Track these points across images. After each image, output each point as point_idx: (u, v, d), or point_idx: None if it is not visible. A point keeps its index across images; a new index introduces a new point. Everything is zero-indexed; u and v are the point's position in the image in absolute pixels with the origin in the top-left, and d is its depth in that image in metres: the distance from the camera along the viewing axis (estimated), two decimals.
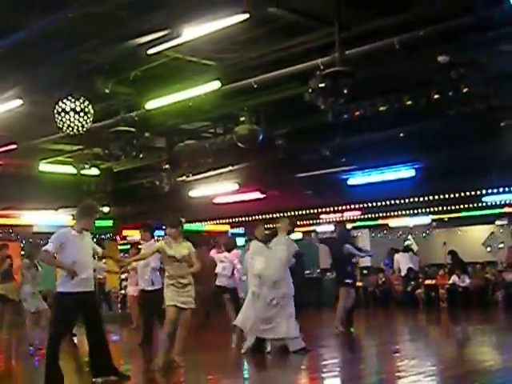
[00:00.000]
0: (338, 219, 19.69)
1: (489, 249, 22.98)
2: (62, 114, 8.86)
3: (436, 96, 9.72)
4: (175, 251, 9.07)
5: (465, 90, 9.27)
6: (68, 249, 7.77)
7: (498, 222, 22.11)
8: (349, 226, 21.68)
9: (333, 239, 14.45)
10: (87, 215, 8.05)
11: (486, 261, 20.99)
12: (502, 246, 22.34)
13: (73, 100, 8.87)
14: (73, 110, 8.83)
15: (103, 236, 20.00)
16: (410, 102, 10.11)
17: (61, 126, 9.04)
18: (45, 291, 13.74)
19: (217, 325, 14.52)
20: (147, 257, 10.39)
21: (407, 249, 21.28)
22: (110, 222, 19.59)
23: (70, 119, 8.86)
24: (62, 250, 7.77)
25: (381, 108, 10.37)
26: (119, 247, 21.28)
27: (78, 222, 8.04)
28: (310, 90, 8.62)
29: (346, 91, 8.23)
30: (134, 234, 22.17)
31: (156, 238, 14.28)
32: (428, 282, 20.15)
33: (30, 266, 12.00)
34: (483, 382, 8.25)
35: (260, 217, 19.61)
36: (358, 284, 19.61)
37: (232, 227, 22.86)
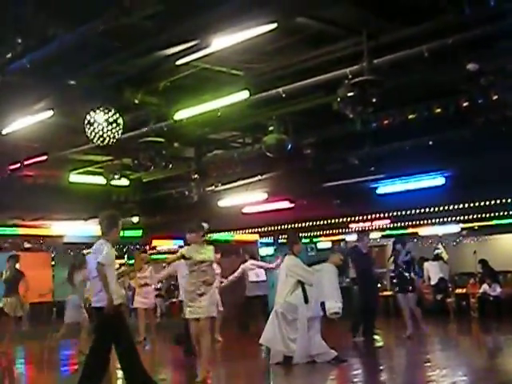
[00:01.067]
0: (367, 228, 19.65)
1: None
2: (93, 124, 8.92)
3: (465, 104, 9.65)
4: (204, 255, 8.92)
5: (494, 98, 9.19)
6: (113, 262, 7.73)
7: None
8: (378, 234, 21.71)
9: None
10: (115, 225, 7.85)
11: None
12: None
13: (103, 111, 8.94)
14: (103, 120, 8.89)
15: (132, 246, 20.11)
16: (439, 110, 10.05)
17: (91, 136, 9.10)
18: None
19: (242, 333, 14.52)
20: (173, 261, 10.17)
21: (437, 257, 21.11)
22: (139, 232, 19.72)
23: (100, 130, 8.92)
24: (110, 264, 7.65)
25: (410, 116, 10.32)
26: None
27: (108, 233, 7.81)
28: (339, 99, 8.60)
29: (374, 100, 8.22)
30: (164, 244, 22.39)
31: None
32: (458, 291, 19.98)
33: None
34: None
35: (288, 226, 19.63)
36: (388, 293, 19.60)
37: (261, 236, 22.87)
